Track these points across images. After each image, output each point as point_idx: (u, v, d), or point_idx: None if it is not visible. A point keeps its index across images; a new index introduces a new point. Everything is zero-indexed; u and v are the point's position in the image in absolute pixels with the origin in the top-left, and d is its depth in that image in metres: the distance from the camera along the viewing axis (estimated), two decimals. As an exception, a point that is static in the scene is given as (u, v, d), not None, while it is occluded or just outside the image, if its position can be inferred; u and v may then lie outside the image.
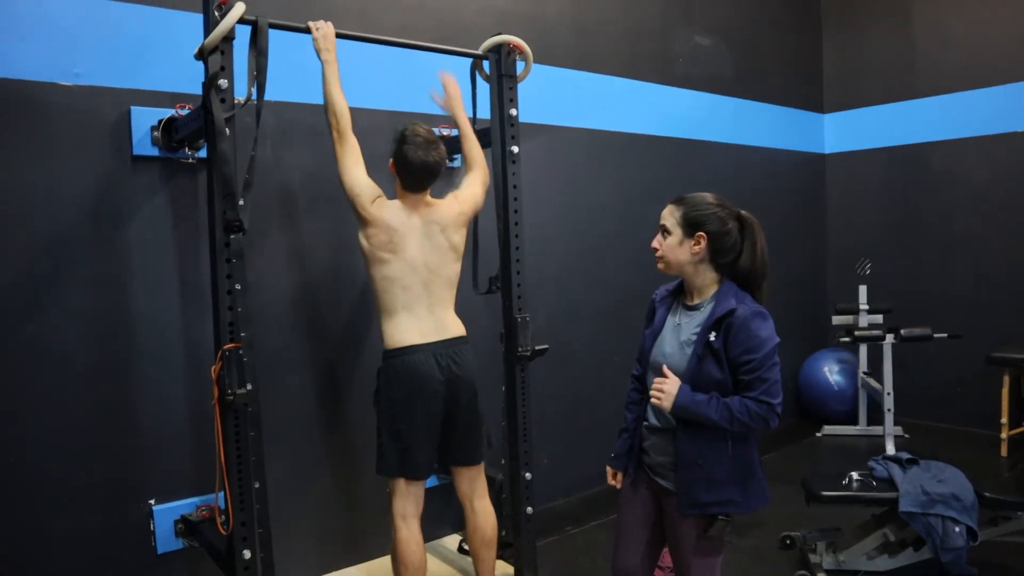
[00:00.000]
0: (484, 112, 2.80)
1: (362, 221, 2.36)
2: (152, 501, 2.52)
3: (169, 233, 2.53)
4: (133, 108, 2.43)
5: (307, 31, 2.34)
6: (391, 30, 2.75)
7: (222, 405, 2.09)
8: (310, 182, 2.84)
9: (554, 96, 3.65)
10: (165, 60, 2.47)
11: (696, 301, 1.92)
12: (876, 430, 4.54)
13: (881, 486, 2.80)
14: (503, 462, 2.86)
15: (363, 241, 2.38)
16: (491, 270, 2.84)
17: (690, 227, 1.87)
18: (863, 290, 4.74)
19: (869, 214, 5.18)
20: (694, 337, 1.86)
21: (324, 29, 2.33)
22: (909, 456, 2.89)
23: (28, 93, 2.28)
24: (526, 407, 2.79)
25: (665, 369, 1.88)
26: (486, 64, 2.75)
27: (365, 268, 2.42)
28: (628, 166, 4.02)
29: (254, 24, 2.13)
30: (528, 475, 2.80)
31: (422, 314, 2.38)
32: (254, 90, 2.14)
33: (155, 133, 2.44)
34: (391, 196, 2.45)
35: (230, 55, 2.07)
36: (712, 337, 1.81)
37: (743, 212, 1.90)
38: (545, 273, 3.61)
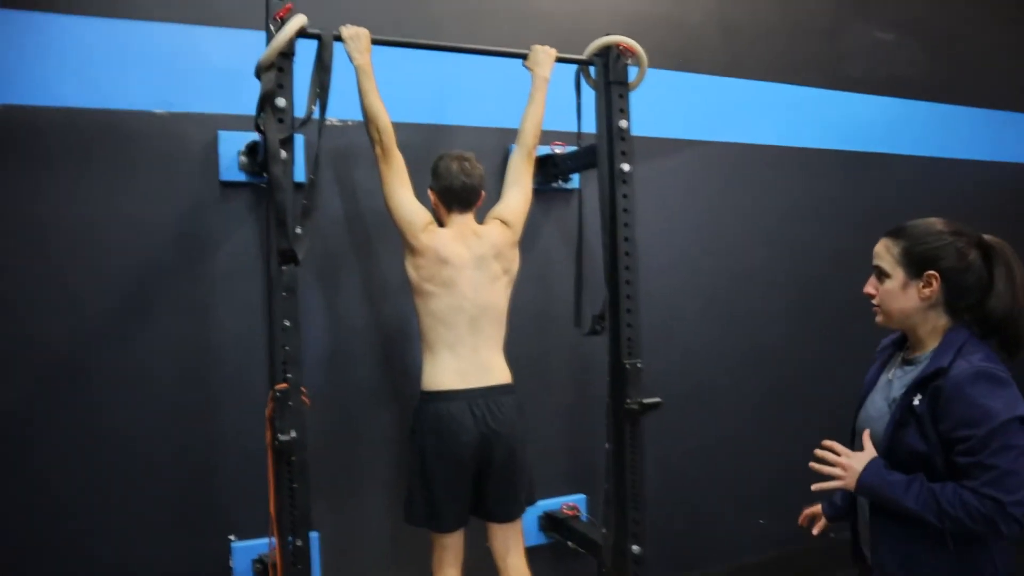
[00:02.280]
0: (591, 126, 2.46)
1: (411, 250, 2.17)
2: (232, 537, 2.43)
3: (254, 260, 2.45)
4: (220, 132, 2.37)
5: (391, 43, 2.16)
6: (499, 42, 2.50)
7: (274, 450, 1.93)
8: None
9: (697, 107, 3.22)
10: (254, 82, 2.39)
11: (917, 354, 1.54)
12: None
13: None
14: (603, 531, 2.47)
15: (410, 270, 2.19)
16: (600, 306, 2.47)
17: (916, 265, 1.48)
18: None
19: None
20: (899, 397, 1.49)
21: (355, 30, 2.11)
22: None
23: (122, 122, 2.28)
24: (636, 469, 2.38)
25: (865, 436, 1.51)
26: (593, 71, 2.41)
27: (412, 297, 2.23)
28: (787, 184, 3.45)
29: (318, 38, 1.98)
30: (637, 548, 2.38)
31: (465, 354, 2.17)
32: (316, 108, 1.97)
33: (241, 158, 2.36)
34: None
35: (290, 72, 1.93)
36: (916, 400, 1.42)
37: (987, 237, 1.49)
38: (682, 308, 3.17)
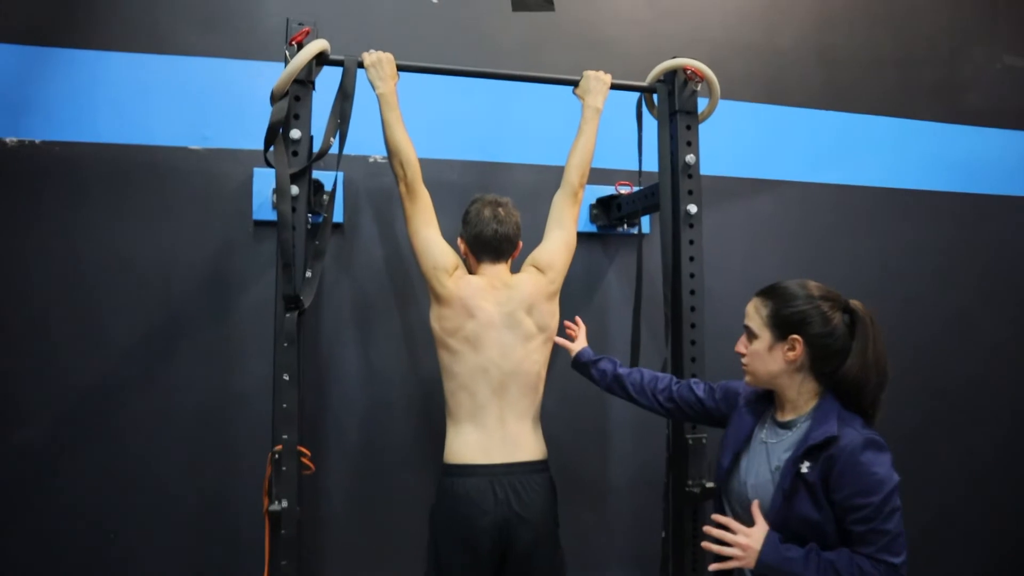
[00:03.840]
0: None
1: (436, 297, 1.94)
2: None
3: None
4: (256, 170, 2.26)
5: (417, 69, 1.97)
6: (560, 71, 2.28)
7: (269, 517, 1.72)
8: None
9: (789, 144, 2.88)
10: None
11: (789, 417, 1.52)
12: None
13: None
14: (656, 636, 2.10)
15: (433, 322, 1.96)
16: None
17: (781, 328, 1.49)
18: None
19: None
20: (783, 465, 1.46)
21: (378, 55, 1.92)
22: None
23: (158, 158, 2.22)
24: (696, 563, 2.02)
25: (755, 508, 1.46)
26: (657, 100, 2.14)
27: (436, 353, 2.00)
28: (895, 232, 3.01)
29: (341, 64, 1.82)
30: (695, 660, 2.00)
31: (490, 425, 1.90)
32: (335, 140, 1.80)
33: (275, 197, 2.23)
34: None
35: (308, 101, 1.77)
36: (805, 468, 1.41)
37: (854, 303, 1.50)
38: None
